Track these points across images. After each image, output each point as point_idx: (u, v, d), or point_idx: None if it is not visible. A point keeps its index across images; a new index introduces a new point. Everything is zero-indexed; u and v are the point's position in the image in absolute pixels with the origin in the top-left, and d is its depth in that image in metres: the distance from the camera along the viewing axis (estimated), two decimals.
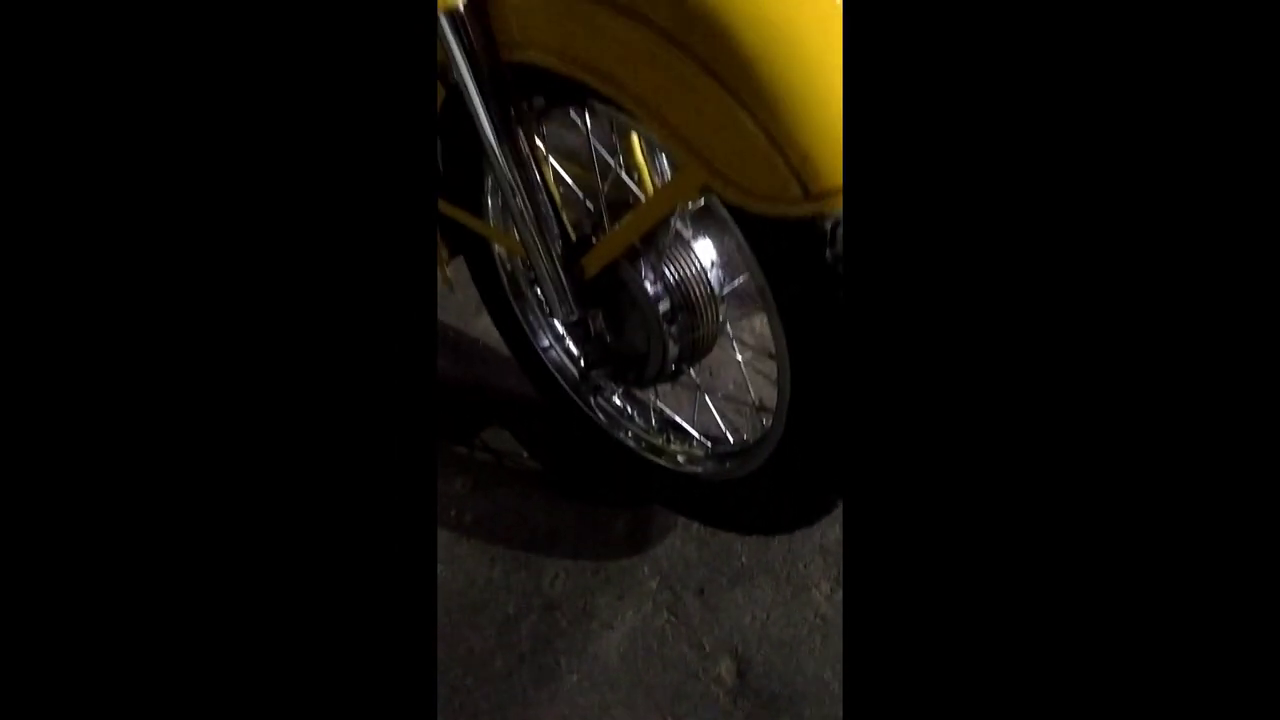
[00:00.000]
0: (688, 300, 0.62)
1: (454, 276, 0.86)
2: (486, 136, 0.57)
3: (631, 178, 0.68)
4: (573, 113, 0.59)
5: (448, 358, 1.05)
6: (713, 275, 0.62)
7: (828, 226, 0.46)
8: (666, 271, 0.61)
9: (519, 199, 0.59)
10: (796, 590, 0.80)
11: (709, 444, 0.77)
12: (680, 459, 0.76)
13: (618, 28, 0.46)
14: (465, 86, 0.55)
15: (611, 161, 0.65)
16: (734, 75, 0.42)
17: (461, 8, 0.52)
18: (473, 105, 0.56)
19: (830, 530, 0.83)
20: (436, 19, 0.52)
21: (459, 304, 1.09)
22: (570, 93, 0.54)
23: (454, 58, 0.53)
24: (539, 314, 0.83)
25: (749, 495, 0.69)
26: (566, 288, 0.63)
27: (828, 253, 0.46)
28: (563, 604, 0.80)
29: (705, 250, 0.62)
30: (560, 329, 0.82)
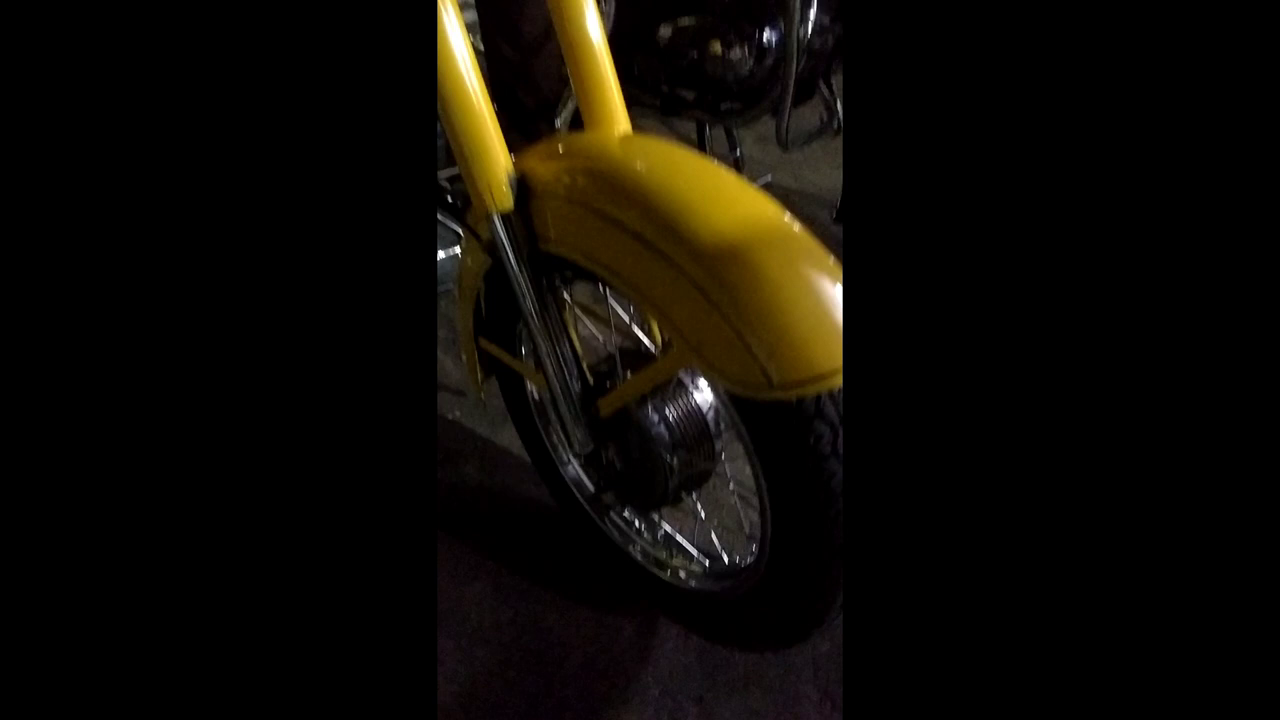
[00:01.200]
0: (687, 439, 0.72)
1: (487, 392, 0.97)
2: (523, 302, 0.69)
3: (644, 330, 0.80)
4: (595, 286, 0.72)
5: (474, 463, 1.16)
6: (710, 417, 0.73)
7: (794, 404, 0.57)
8: (670, 414, 0.72)
9: (546, 351, 0.71)
10: (790, 701, 0.85)
11: (707, 563, 0.85)
12: (682, 575, 0.84)
13: (619, 238, 0.59)
14: (509, 265, 0.68)
15: (625, 318, 0.77)
16: (708, 283, 0.54)
17: (511, 210, 0.66)
18: (514, 279, 0.68)
19: (822, 643, 0.89)
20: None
21: (489, 415, 1.20)
22: (590, 276, 0.66)
23: (502, 244, 0.67)
24: (560, 435, 0.93)
25: (743, 613, 0.76)
26: (583, 424, 0.74)
27: (792, 424, 0.57)
28: (572, 706, 0.86)
29: (704, 397, 0.73)
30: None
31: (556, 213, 0.65)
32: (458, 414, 1.23)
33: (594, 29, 0.69)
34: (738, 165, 1.66)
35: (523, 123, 1.38)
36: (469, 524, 1.06)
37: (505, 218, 0.66)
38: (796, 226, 0.56)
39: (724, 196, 0.57)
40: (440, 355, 1.35)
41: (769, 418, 0.58)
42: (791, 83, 1.26)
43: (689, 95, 1.44)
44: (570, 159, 0.65)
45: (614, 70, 0.71)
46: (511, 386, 0.93)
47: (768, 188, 1.65)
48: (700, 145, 1.60)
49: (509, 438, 1.15)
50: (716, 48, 1.32)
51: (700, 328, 0.55)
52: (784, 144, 1.34)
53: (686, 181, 0.58)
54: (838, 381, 0.52)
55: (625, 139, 0.68)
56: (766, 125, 1.40)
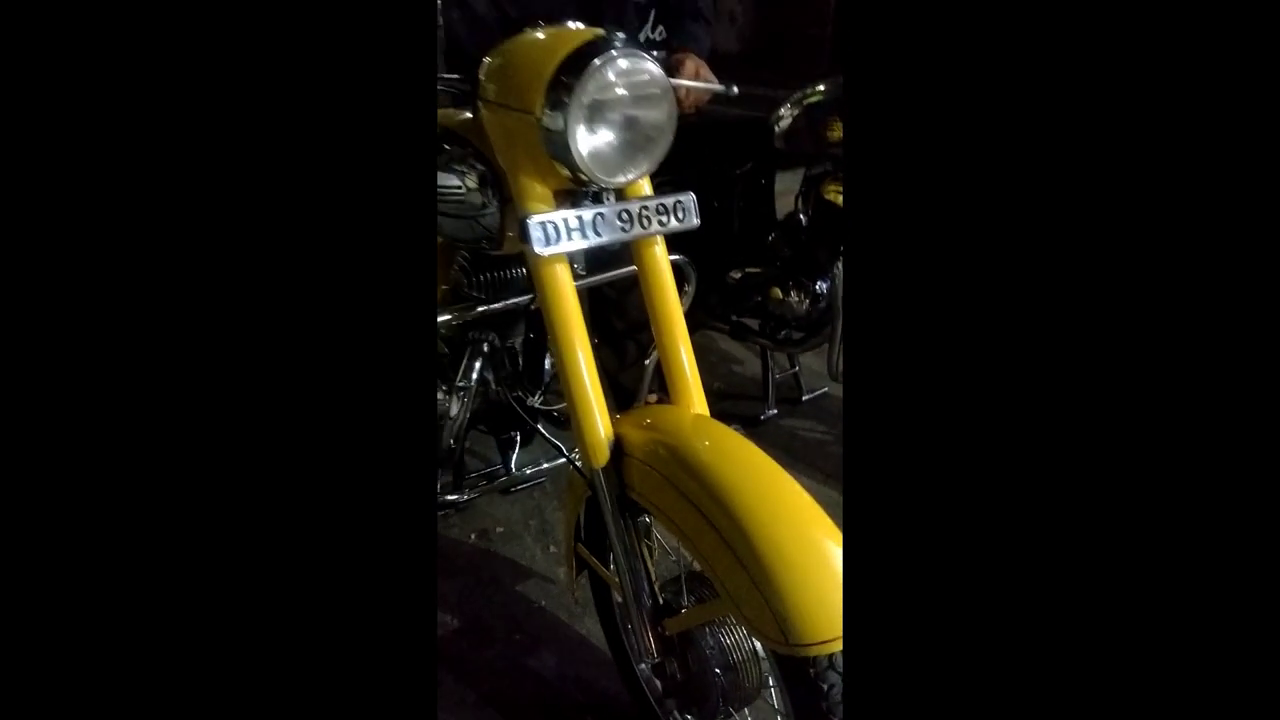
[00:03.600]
0: (735, 665, 0.86)
1: (579, 587, 1.14)
2: (610, 534, 0.89)
3: None
4: None
5: (552, 650, 1.30)
6: (758, 645, 0.87)
7: (809, 657, 0.71)
8: (724, 640, 0.87)
9: (625, 571, 0.89)
10: None
11: None
12: None
13: (683, 503, 0.78)
14: (602, 506, 0.88)
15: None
16: (746, 554, 0.71)
17: (608, 465, 0.88)
18: (605, 515, 0.89)
19: None
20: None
21: (573, 606, 1.37)
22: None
23: (599, 490, 0.88)
24: (634, 639, 1.09)
25: None
26: (651, 637, 0.90)
27: (810, 671, 0.71)
28: None
29: None
30: None
31: (640, 472, 0.86)
32: (544, 602, 1.40)
33: (679, 322, 0.94)
34: (796, 380, 1.88)
35: (615, 340, 1.66)
36: (536, 712, 1.18)
37: (603, 471, 0.87)
38: (815, 510, 0.74)
39: (763, 482, 0.76)
40: (530, 543, 1.54)
41: (792, 663, 0.72)
42: (839, 323, 1.49)
43: (754, 324, 1.71)
44: (654, 431, 0.87)
45: (693, 357, 0.94)
46: (600, 586, 1.10)
47: (822, 398, 1.85)
48: (763, 361, 1.83)
49: (589, 628, 1.30)
50: (777, 293, 1.59)
51: (738, 587, 0.72)
52: (834, 375, 1.55)
53: (736, 467, 0.78)
54: (838, 646, 0.67)
55: (696, 420, 0.89)
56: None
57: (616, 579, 1.01)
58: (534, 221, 0.79)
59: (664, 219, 0.87)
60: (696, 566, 0.95)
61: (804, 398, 1.85)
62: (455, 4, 1.24)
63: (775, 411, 1.79)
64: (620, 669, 1.12)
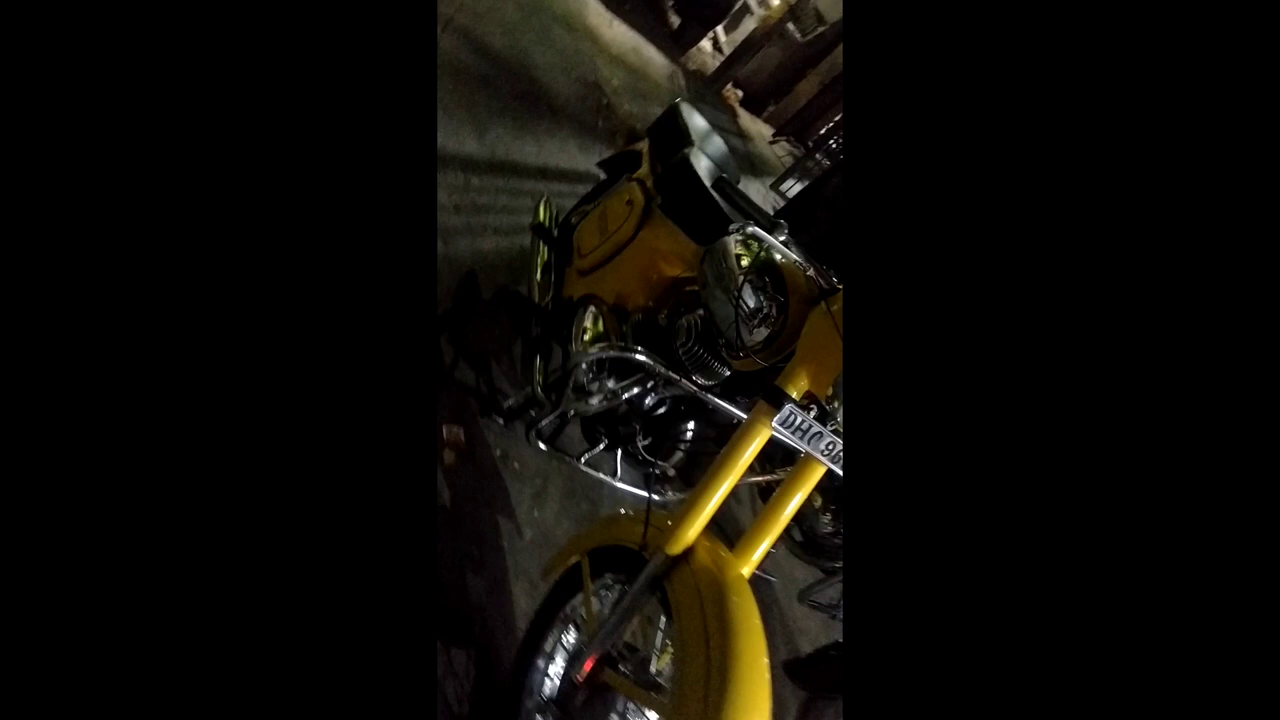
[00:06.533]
0: None
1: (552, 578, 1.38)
2: (629, 594, 1.14)
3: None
4: None
5: (489, 578, 1.55)
6: None
7: None
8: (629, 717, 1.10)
9: (618, 617, 1.13)
10: None
11: None
12: None
13: (696, 622, 1.01)
14: (644, 576, 1.13)
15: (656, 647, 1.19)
16: (714, 685, 0.94)
17: (673, 558, 1.13)
18: (638, 582, 1.13)
19: None
20: None
21: (536, 577, 1.61)
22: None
23: (653, 566, 1.12)
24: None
25: None
26: (589, 668, 1.14)
27: None
28: None
29: None
30: None
31: (684, 580, 1.10)
32: (517, 558, 1.65)
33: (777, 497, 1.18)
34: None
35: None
36: None
37: (667, 557, 1.12)
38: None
39: (751, 647, 0.98)
40: (537, 512, 1.80)
41: None
42: None
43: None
44: (711, 564, 1.12)
45: (779, 531, 1.16)
46: (560, 591, 1.33)
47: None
48: None
49: (528, 600, 1.53)
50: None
51: (687, 703, 0.95)
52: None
53: (738, 625, 1.00)
54: None
55: (739, 579, 1.13)
56: None
57: (595, 610, 1.26)
58: (789, 406, 1.06)
59: (837, 463, 1.11)
60: (660, 658, 1.19)
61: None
62: None
63: None
64: (522, 650, 1.36)
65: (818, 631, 2.25)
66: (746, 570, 1.17)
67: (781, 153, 6.12)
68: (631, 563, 1.18)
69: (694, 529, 1.12)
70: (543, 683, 1.30)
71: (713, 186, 1.38)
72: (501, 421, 1.82)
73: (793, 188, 5.44)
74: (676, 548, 1.12)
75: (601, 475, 1.61)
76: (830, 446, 1.10)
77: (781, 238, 1.20)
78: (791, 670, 1.74)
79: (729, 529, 1.93)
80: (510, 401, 1.81)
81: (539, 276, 1.93)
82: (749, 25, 6.17)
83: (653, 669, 1.19)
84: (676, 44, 5.53)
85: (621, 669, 1.15)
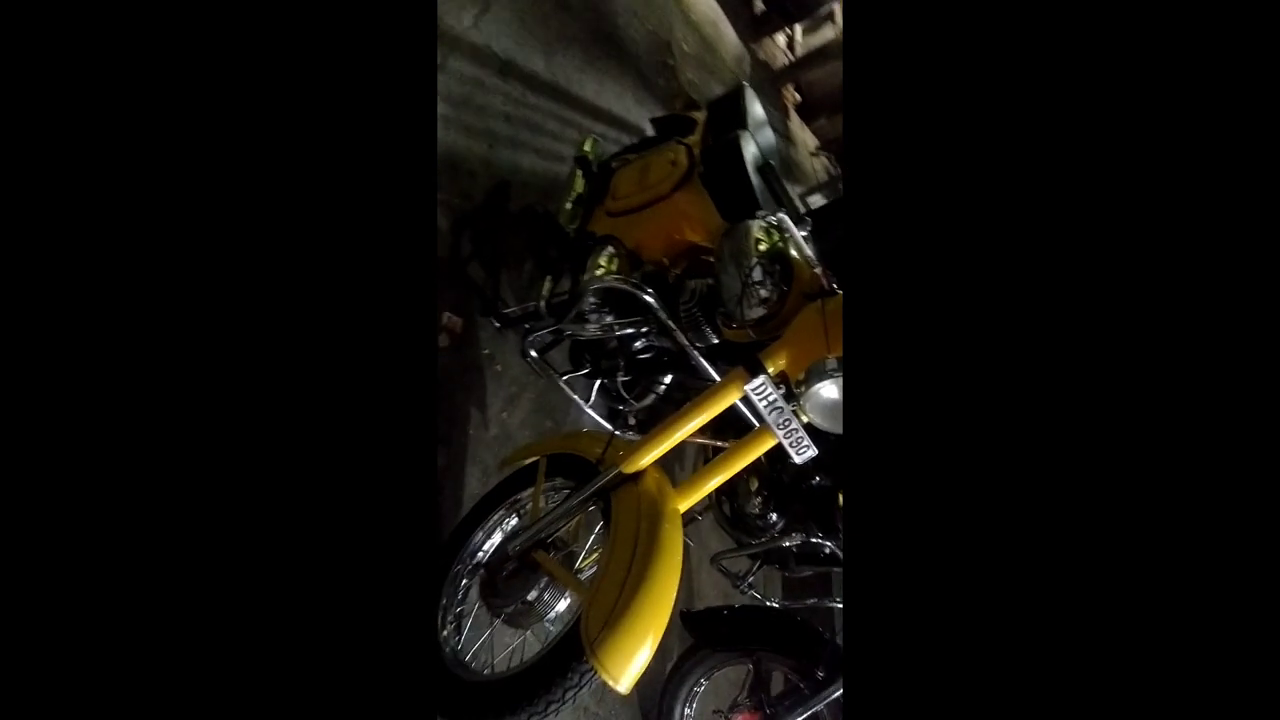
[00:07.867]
0: (537, 610, 1.25)
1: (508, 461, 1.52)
2: (575, 496, 1.28)
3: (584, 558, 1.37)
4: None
5: (459, 452, 1.69)
6: (559, 624, 1.26)
7: (586, 664, 1.10)
8: (547, 594, 1.26)
9: (558, 513, 1.28)
10: None
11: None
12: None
13: (628, 537, 1.18)
14: (592, 485, 1.28)
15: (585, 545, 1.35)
16: (627, 594, 1.10)
17: (623, 473, 1.28)
18: (586, 489, 1.28)
19: None
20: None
21: (491, 465, 1.75)
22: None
23: (602, 477, 1.27)
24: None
25: None
26: (522, 547, 1.29)
27: (570, 666, 1.10)
28: None
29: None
30: None
31: (628, 499, 1.25)
32: (493, 431, 1.78)
33: (732, 451, 1.33)
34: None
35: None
36: None
37: (618, 473, 1.26)
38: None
39: (668, 569, 1.14)
40: (525, 393, 1.93)
41: (565, 649, 1.11)
42: None
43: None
44: (656, 491, 1.26)
45: (720, 481, 1.31)
46: (517, 478, 1.48)
47: None
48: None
49: (482, 476, 1.67)
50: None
51: (603, 598, 1.11)
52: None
53: (663, 547, 1.14)
54: (599, 679, 1.05)
55: (675, 510, 1.27)
56: None
57: (541, 504, 1.41)
58: (764, 377, 1.20)
59: (799, 450, 1.26)
60: (585, 559, 1.34)
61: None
62: None
63: None
64: (464, 521, 1.50)
65: (715, 598, 2.45)
66: (683, 506, 1.32)
67: (819, 167, 6.23)
68: (585, 473, 1.32)
69: (650, 456, 1.27)
70: (476, 552, 1.45)
71: (758, 170, 1.50)
72: (497, 325, 1.94)
73: (819, 201, 5.57)
74: (630, 468, 1.27)
75: (575, 396, 1.75)
76: (785, 423, 1.25)
77: (803, 233, 1.33)
78: (687, 619, 1.92)
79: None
80: (510, 310, 1.93)
81: (569, 205, 2.04)
82: (827, 34, 6.20)
83: (576, 566, 1.35)
84: (754, 29, 5.56)
85: (551, 555, 1.30)
